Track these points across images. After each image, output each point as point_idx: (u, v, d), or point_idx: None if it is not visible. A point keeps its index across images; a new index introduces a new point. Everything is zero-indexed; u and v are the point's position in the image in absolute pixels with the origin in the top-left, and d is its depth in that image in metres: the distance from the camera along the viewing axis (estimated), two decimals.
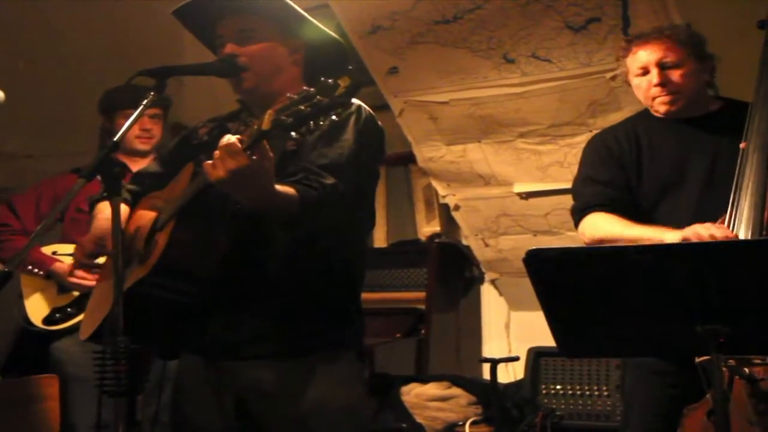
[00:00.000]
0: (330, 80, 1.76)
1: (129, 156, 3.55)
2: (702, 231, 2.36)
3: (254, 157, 1.83)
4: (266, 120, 1.78)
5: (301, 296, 2.13)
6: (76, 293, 3.41)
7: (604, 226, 2.62)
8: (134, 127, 3.48)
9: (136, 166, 3.50)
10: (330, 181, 2.02)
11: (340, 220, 2.09)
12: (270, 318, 2.12)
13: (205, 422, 2.17)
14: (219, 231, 2.09)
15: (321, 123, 1.78)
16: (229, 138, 1.85)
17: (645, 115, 2.78)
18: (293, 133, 1.78)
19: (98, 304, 2.29)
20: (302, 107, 1.75)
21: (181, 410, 2.25)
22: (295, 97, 1.77)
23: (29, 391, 2.83)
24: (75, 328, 3.35)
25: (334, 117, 1.79)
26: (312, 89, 1.77)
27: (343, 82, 1.75)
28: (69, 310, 3.41)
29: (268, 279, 2.12)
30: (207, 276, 2.10)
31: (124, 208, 2.26)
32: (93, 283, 3.31)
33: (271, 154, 1.87)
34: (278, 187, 1.94)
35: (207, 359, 2.17)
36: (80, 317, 3.35)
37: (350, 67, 1.83)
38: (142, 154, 3.54)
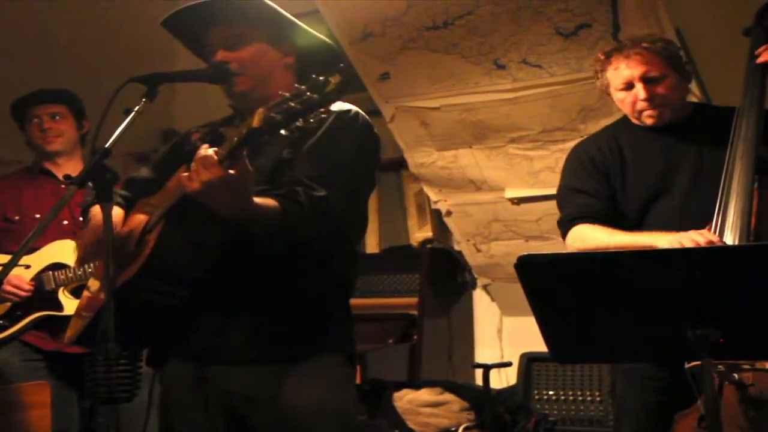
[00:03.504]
0: (321, 77, 1.76)
1: (48, 159, 3.50)
2: (698, 238, 2.37)
3: (230, 170, 1.84)
4: (257, 118, 1.79)
5: (292, 301, 2.12)
6: (8, 305, 3.30)
7: (592, 237, 2.63)
8: (35, 128, 3.46)
9: (58, 168, 3.48)
10: (320, 193, 2.02)
11: (327, 231, 2.09)
12: (260, 322, 2.11)
13: (193, 428, 2.16)
14: (208, 233, 2.08)
15: (311, 120, 1.78)
16: (206, 150, 1.87)
17: (626, 123, 2.78)
18: (283, 131, 1.78)
19: (86, 308, 2.28)
20: (292, 104, 1.76)
21: (169, 417, 2.24)
22: (286, 94, 1.78)
23: (19, 399, 2.81)
24: (9, 340, 3.30)
25: (324, 116, 1.80)
26: (303, 87, 1.77)
27: (334, 79, 1.76)
28: (1, 322, 3.31)
29: (259, 283, 2.12)
30: (195, 278, 2.09)
31: (118, 211, 2.26)
32: (26, 293, 3.25)
33: (251, 168, 1.87)
34: (260, 200, 1.95)
35: (195, 364, 2.16)
36: (13, 329, 3.30)
37: (341, 65, 1.82)
38: (55, 155, 3.47)
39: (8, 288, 3.24)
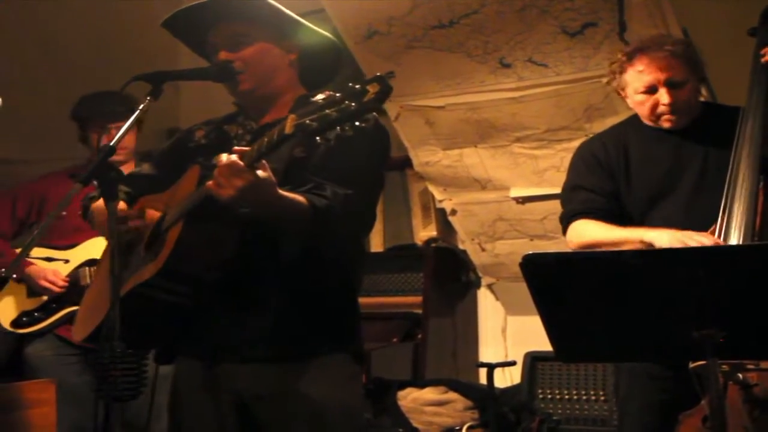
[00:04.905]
0: (357, 85, 1.71)
1: None
2: (689, 242, 2.37)
3: (258, 172, 1.84)
4: (289, 124, 1.76)
5: (303, 299, 2.13)
6: (44, 297, 3.42)
7: (588, 232, 2.63)
8: (105, 139, 3.49)
9: None
10: (344, 191, 2.02)
11: (353, 229, 2.09)
12: (271, 321, 2.11)
13: (203, 426, 2.17)
14: (227, 234, 2.07)
15: (346, 129, 1.73)
16: (229, 157, 1.86)
17: (634, 122, 2.77)
18: (318, 138, 1.74)
19: (95, 305, 2.28)
20: (328, 111, 1.71)
21: (179, 415, 2.25)
22: (320, 101, 1.73)
23: (23, 397, 2.83)
24: (44, 332, 3.40)
25: (363, 126, 1.73)
26: (338, 94, 1.72)
27: (372, 88, 1.70)
28: (36, 314, 3.43)
29: (271, 282, 2.12)
30: (211, 278, 2.09)
31: (121, 206, 2.26)
32: (61, 288, 3.35)
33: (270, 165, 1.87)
34: (287, 194, 1.95)
35: (205, 362, 2.17)
36: (48, 321, 3.40)
37: (379, 74, 1.73)
38: (118, 164, 3.48)
39: (44, 283, 3.37)
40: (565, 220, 2.73)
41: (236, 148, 1.91)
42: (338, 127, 1.72)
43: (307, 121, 1.72)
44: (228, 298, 2.12)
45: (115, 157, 3.45)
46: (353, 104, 1.70)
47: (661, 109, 2.62)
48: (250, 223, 2.04)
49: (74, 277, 3.41)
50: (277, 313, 2.11)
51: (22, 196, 3.58)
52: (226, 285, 2.10)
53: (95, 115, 3.49)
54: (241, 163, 1.85)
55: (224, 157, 1.88)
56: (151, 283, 2.03)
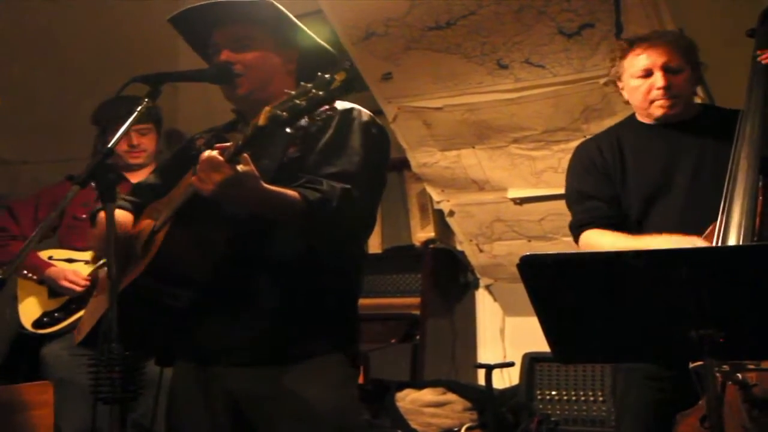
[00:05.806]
0: (326, 75, 1.78)
1: (125, 170, 3.57)
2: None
3: (238, 166, 1.86)
4: (263, 116, 1.81)
5: (297, 301, 2.13)
6: (65, 298, 3.45)
7: (598, 244, 2.64)
8: (123, 142, 3.52)
9: (135, 178, 3.55)
10: (341, 185, 2.03)
11: (350, 224, 2.09)
12: (264, 323, 2.11)
13: (197, 427, 2.17)
14: (216, 234, 2.09)
15: (317, 118, 1.79)
16: (209, 152, 1.90)
17: (629, 122, 2.80)
18: (288, 129, 1.80)
19: (96, 309, 2.30)
20: (297, 101, 1.77)
21: (174, 417, 2.25)
22: (292, 93, 1.79)
23: (22, 399, 2.83)
24: (62, 333, 3.42)
25: (329, 114, 1.82)
26: (309, 84, 1.78)
27: (339, 77, 1.77)
28: (56, 314, 3.46)
29: (264, 283, 2.12)
30: (202, 279, 2.10)
31: (127, 215, 2.27)
32: (82, 287, 3.38)
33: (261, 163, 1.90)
34: (276, 189, 1.96)
35: (200, 364, 2.17)
36: (67, 322, 3.43)
37: (347, 63, 1.83)
38: (136, 168, 3.57)
39: (65, 283, 3.41)
40: (575, 230, 2.75)
41: (217, 144, 1.94)
42: (307, 116, 1.78)
43: (278, 112, 1.78)
44: (220, 299, 2.12)
45: (134, 160, 3.56)
46: (321, 92, 1.76)
47: (655, 93, 2.66)
48: (241, 222, 2.05)
49: (95, 276, 3.43)
50: (271, 315, 2.11)
51: (44, 200, 3.62)
52: (218, 285, 2.11)
53: (114, 119, 3.51)
54: (220, 158, 1.87)
55: (206, 153, 1.91)
56: (139, 283, 2.05)
